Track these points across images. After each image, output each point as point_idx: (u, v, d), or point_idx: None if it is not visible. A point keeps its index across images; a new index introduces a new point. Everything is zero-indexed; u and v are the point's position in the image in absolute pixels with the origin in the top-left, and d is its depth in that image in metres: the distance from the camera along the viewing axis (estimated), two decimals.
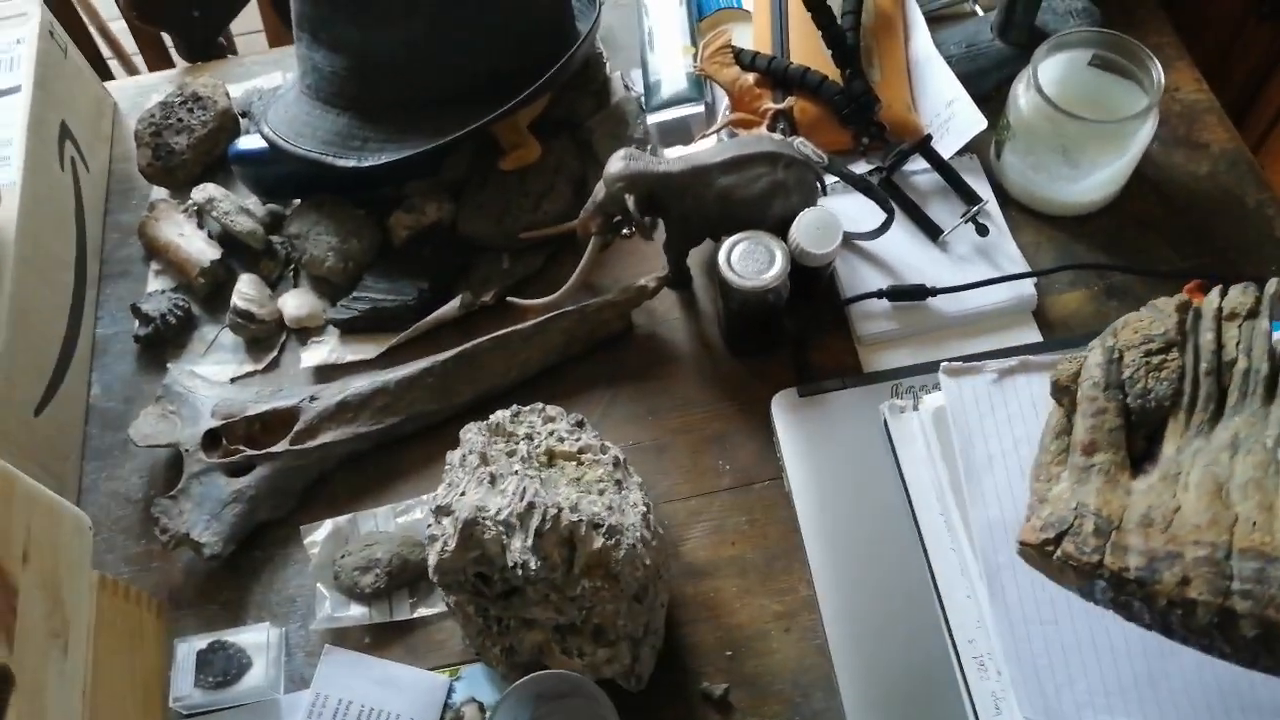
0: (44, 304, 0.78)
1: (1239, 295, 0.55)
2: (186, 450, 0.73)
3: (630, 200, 0.71)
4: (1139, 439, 0.53)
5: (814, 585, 0.66)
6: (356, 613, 0.69)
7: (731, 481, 0.73)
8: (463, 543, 0.56)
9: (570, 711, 0.60)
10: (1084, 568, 0.49)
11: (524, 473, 0.58)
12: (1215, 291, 0.56)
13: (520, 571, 0.54)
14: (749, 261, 0.70)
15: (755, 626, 0.67)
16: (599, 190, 0.74)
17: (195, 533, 0.70)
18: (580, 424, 0.68)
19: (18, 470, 0.58)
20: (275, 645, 0.68)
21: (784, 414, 0.71)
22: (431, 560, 0.57)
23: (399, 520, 0.73)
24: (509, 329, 0.77)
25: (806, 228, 0.72)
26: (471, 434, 0.65)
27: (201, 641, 0.68)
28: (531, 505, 0.55)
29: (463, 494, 0.58)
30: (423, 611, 0.69)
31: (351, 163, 0.78)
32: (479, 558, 0.56)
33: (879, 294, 0.77)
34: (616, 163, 0.73)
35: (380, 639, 0.69)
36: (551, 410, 0.68)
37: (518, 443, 0.64)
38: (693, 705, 0.65)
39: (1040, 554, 0.51)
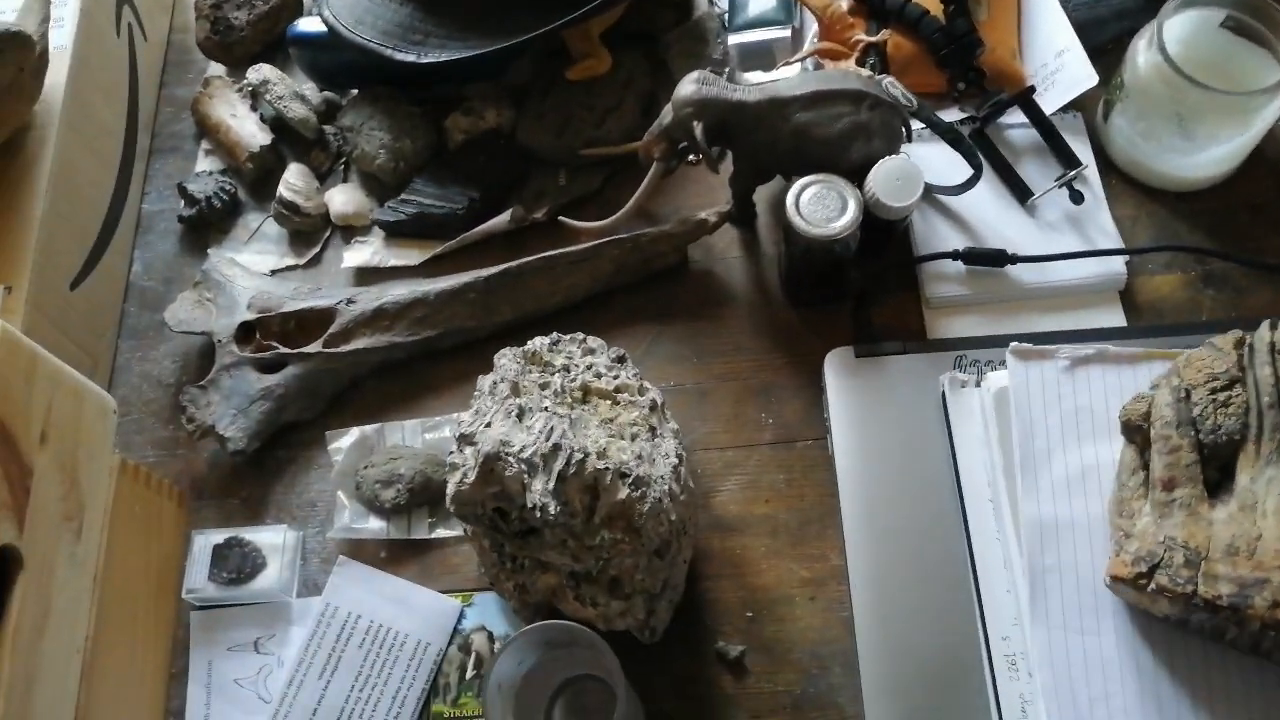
0: (90, 173, 0.76)
1: None
2: (219, 341, 0.72)
3: (698, 128, 0.67)
4: (1212, 470, 0.53)
5: (846, 555, 0.63)
6: (375, 526, 0.68)
7: (773, 437, 0.69)
8: (483, 477, 0.53)
9: (576, 659, 0.58)
10: (1179, 598, 0.50)
11: (554, 410, 0.55)
12: (1265, 325, 0.57)
13: (539, 514, 0.52)
14: (819, 207, 0.66)
15: (780, 590, 0.64)
16: (666, 114, 0.69)
17: (221, 426, 0.69)
18: (621, 359, 0.64)
19: (42, 348, 0.57)
20: (291, 548, 0.67)
21: (837, 373, 0.67)
22: (450, 489, 0.55)
23: (427, 436, 0.71)
24: (558, 250, 0.73)
25: (885, 177, 0.66)
26: (506, 360, 0.62)
27: (219, 536, 0.67)
28: (557, 447, 0.52)
29: (488, 425, 0.55)
30: (441, 533, 0.68)
31: (411, 57, 0.74)
32: (498, 494, 0.54)
33: (954, 255, 0.71)
34: (687, 86, 0.68)
35: (396, 555, 0.68)
36: (593, 342, 0.65)
37: (553, 374, 0.61)
38: (706, 663, 0.63)
39: (1134, 586, 0.51)
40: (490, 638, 0.65)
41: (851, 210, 0.65)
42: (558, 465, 0.52)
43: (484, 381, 0.60)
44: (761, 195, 0.76)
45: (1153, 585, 0.50)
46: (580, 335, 0.65)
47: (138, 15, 0.84)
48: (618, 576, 0.55)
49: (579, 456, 0.52)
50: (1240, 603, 0.48)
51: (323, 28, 0.78)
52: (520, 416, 0.56)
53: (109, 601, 0.60)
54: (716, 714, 0.61)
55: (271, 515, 0.70)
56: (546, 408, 0.56)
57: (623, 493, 0.53)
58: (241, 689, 0.65)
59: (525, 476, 0.53)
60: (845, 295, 0.73)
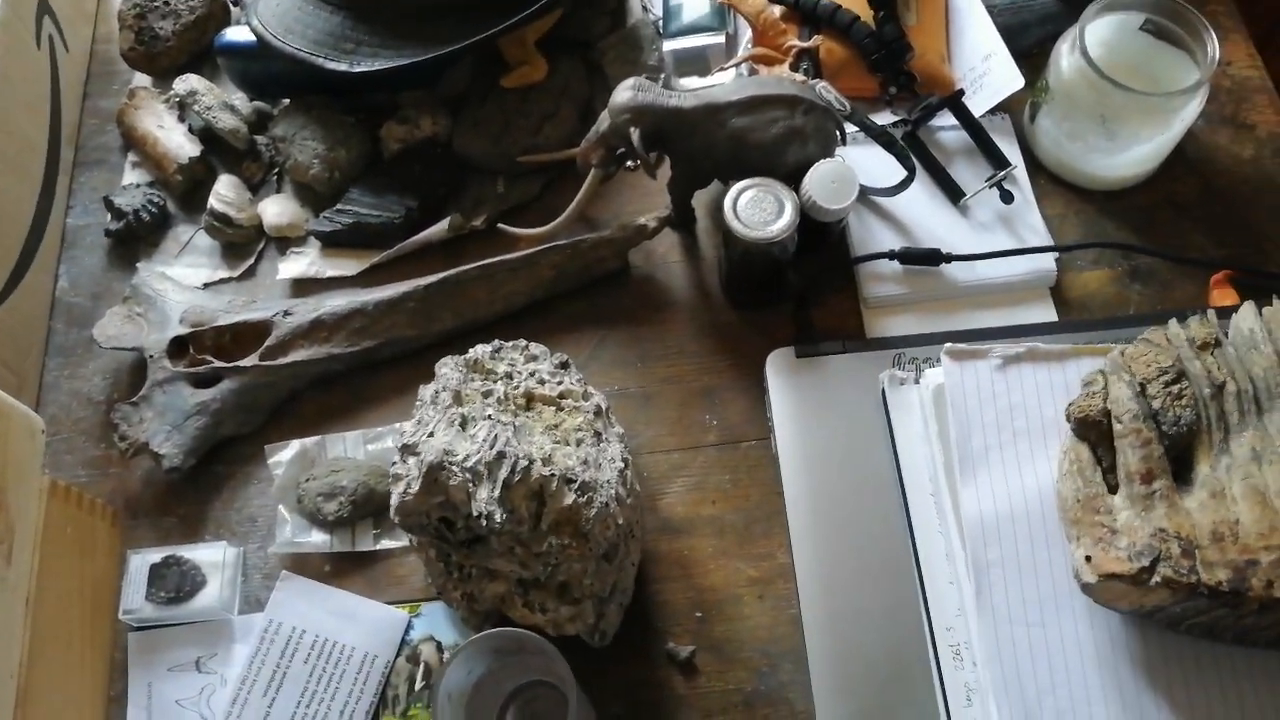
0: (11, 190, 0.74)
1: (1198, 327, 0.58)
2: (151, 356, 0.70)
3: (635, 134, 0.67)
4: (1168, 462, 0.54)
5: (793, 553, 0.64)
6: (318, 539, 0.67)
7: (718, 438, 0.70)
8: (426, 487, 0.53)
9: (527, 665, 0.58)
10: (1183, 588, 0.51)
11: (497, 418, 0.55)
12: (1173, 323, 0.59)
13: (485, 522, 0.52)
14: (756, 210, 0.66)
15: (728, 590, 0.65)
16: (603, 120, 0.69)
17: (155, 443, 0.67)
18: (564, 365, 0.64)
19: None
20: (231, 565, 0.66)
21: (778, 373, 0.68)
22: (394, 500, 0.54)
23: (369, 447, 0.70)
24: (496, 258, 0.73)
25: (821, 180, 0.67)
26: (447, 369, 0.61)
27: (156, 555, 0.66)
28: (501, 455, 0.52)
29: (431, 435, 0.55)
30: (386, 544, 0.67)
31: (343, 67, 0.73)
32: (443, 503, 0.53)
33: (890, 255, 0.73)
34: (624, 93, 0.68)
35: (340, 568, 0.67)
36: (535, 348, 0.65)
37: (495, 381, 0.61)
38: (657, 664, 0.63)
39: (1134, 582, 0.51)
40: (439, 648, 0.64)
41: (788, 213, 0.66)
42: (502, 473, 0.52)
43: (425, 391, 0.60)
44: (700, 200, 0.76)
45: (1156, 579, 0.50)
46: (523, 342, 0.65)
47: (59, 26, 0.82)
48: (566, 582, 0.55)
49: (524, 464, 0.52)
50: (1239, 585, 0.50)
51: (251, 37, 0.77)
52: (464, 425, 0.55)
53: (43, 625, 0.59)
54: (668, 715, 0.61)
55: (210, 532, 0.69)
56: (489, 416, 0.55)
57: (569, 498, 0.52)
58: (184, 710, 0.63)
59: (470, 485, 0.52)
60: (785, 296, 0.73)
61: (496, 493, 0.51)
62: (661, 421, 0.70)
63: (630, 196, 0.79)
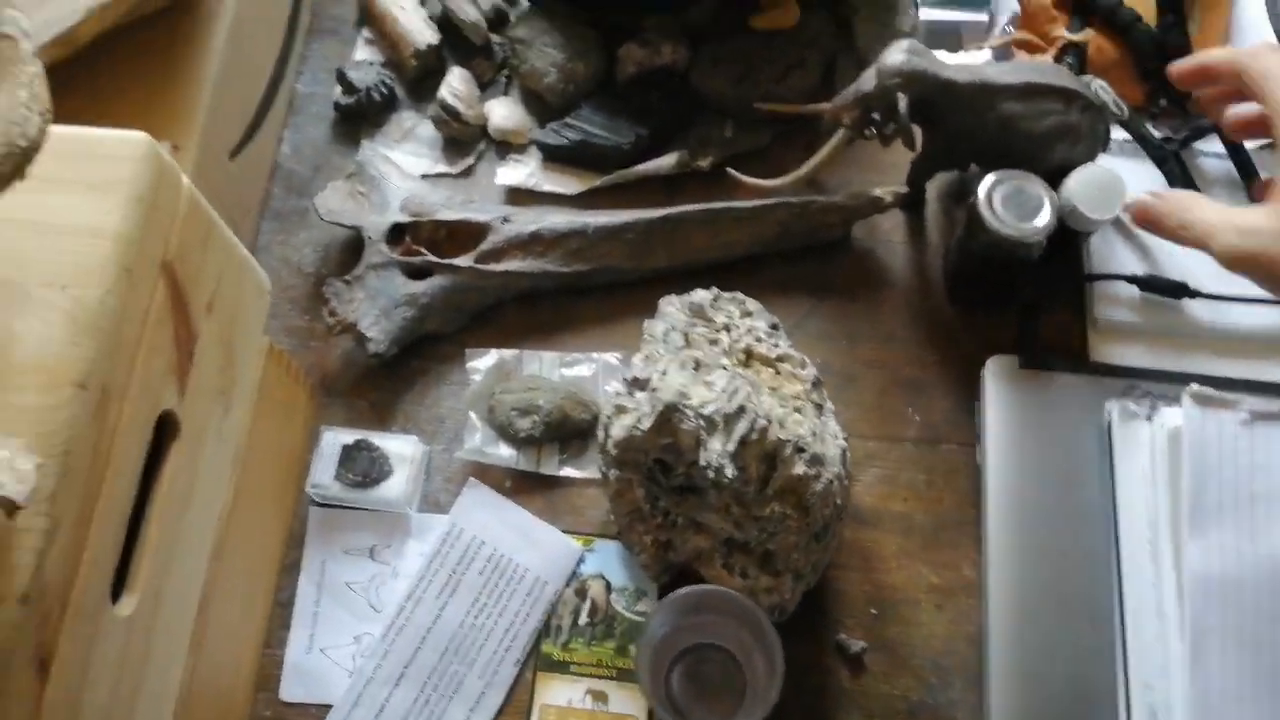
0: (259, 39, 0.74)
1: None
2: (369, 238, 0.70)
3: (903, 101, 0.64)
4: None
5: (982, 570, 0.62)
6: (505, 453, 0.67)
7: (917, 434, 0.67)
8: (658, 425, 0.52)
9: (703, 627, 0.57)
10: None
11: (735, 371, 0.53)
12: None
13: (711, 474, 0.50)
14: (1014, 205, 0.63)
15: (907, 592, 0.63)
16: (867, 79, 0.66)
17: (364, 325, 0.67)
18: (775, 327, 0.63)
19: (217, 216, 0.55)
20: (419, 461, 0.66)
21: (998, 381, 0.65)
22: (617, 433, 0.53)
23: (564, 371, 0.69)
24: (722, 204, 0.71)
25: (1084, 185, 0.64)
26: (673, 309, 0.60)
27: (348, 436, 0.66)
28: (742, 409, 0.51)
29: (664, 373, 0.53)
30: (569, 471, 0.67)
31: None
32: (669, 445, 0.52)
33: (1131, 279, 0.69)
34: (897, 54, 0.64)
35: (520, 486, 0.67)
36: (751, 304, 0.63)
37: (718, 331, 0.59)
38: (825, 652, 0.62)
39: None
40: (608, 586, 0.64)
41: (1047, 213, 0.63)
42: (740, 428, 0.50)
43: (654, 327, 0.58)
44: (935, 182, 0.73)
45: None
46: (740, 295, 0.63)
47: None
48: (773, 551, 0.54)
49: (762, 423, 0.51)
50: None
51: None
52: (697, 368, 0.54)
53: (244, 482, 0.59)
54: (830, 706, 0.60)
55: (398, 424, 0.69)
56: (725, 366, 0.54)
57: (799, 468, 0.51)
58: (353, 593, 0.64)
59: (702, 433, 0.51)
60: (1010, 301, 0.70)
61: (731, 447, 0.50)
62: (860, 406, 0.68)
63: (860, 165, 0.76)
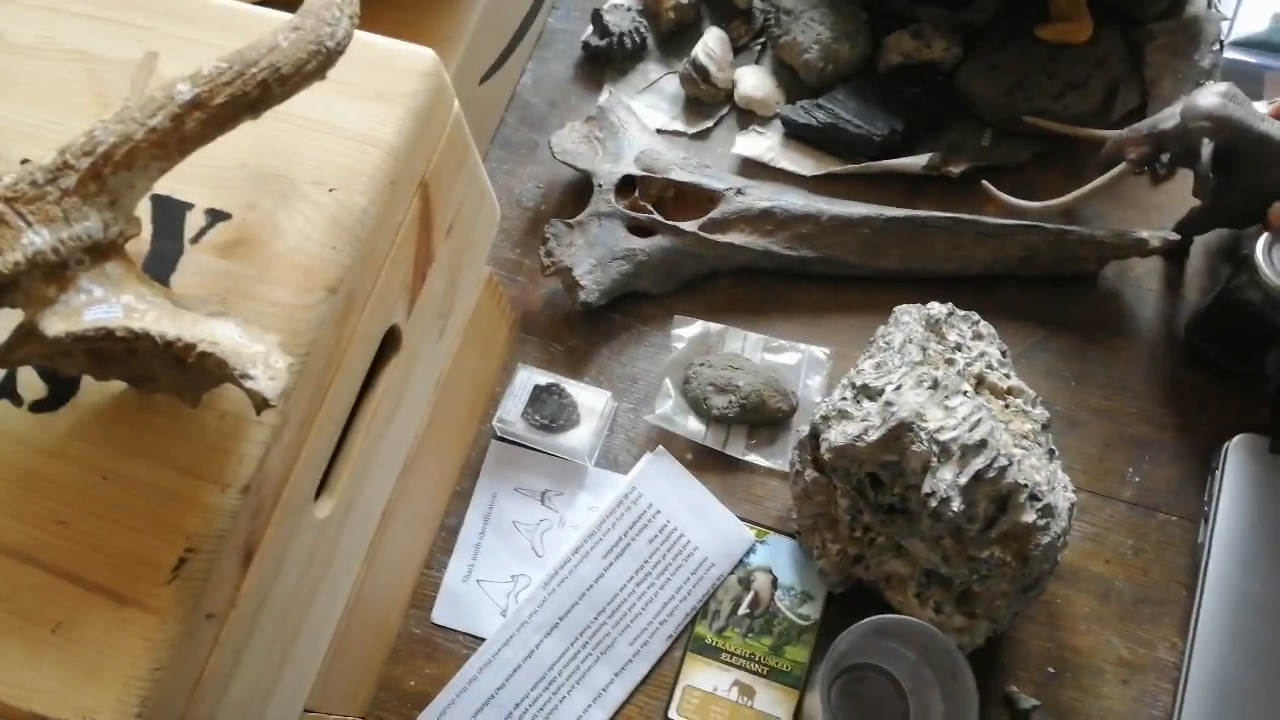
0: None
1: None
2: (599, 185, 0.69)
3: (1208, 147, 0.58)
4: None
5: (1183, 654, 0.57)
6: (694, 427, 0.65)
7: (1134, 496, 0.62)
8: (886, 441, 0.49)
9: (873, 648, 0.54)
10: None
11: (982, 401, 0.50)
12: None
13: (934, 503, 0.48)
14: None
15: (1092, 660, 0.59)
16: (1167, 117, 0.60)
17: (578, 271, 0.67)
18: (1004, 354, 0.59)
19: (472, 142, 0.55)
20: (607, 416, 0.65)
21: (1242, 461, 0.60)
22: (836, 438, 0.51)
23: (766, 356, 0.67)
24: (970, 216, 0.67)
25: None
26: (910, 319, 0.57)
27: (542, 378, 0.66)
28: (983, 443, 0.47)
29: (899, 387, 0.50)
30: (754, 458, 0.65)
31: None
32: (891, 463, 0.50)
33: None
34: (1211, 98, 0.59)
35: (701, 462, 0.65)
36: (984, 327, 0.59)
37: (952, 350, 0.56)
38: (992, 701, 0.58)
39: None
40: (774, 582, 0.62)
41: None
42: (978, 463, 0.47)
43: (891, 335, 0.55)
44: (1202, 235, 0.67)
45: None
46: (974, 315, 0.59)
47: None
48: (976, 593, 0.51)
49: (1003, 462, 0.47)
50: None
51: None
52: (934, 388, 0.51)
53: (439, 405, 0.60)
54: None
55: (591, 375, 0.68)
56: (966, 392, 0.50)
57: (1030, 516, 0.48)
58: (518, 533, 0.64)
59: (934, 459, 0.48)
60: (1258, 374, 0.64)
61: (964, 480, 0.47)
62: (1078, 454, 0.64)
63: (1117, 201, 0.70)
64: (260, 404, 0.37)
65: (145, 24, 0.49)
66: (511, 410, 0.65)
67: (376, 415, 0.51)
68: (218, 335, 0.38)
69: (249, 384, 0.37)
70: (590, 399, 0.65)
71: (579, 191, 0.72)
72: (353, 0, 0.43)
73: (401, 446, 0.57)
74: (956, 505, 0.47)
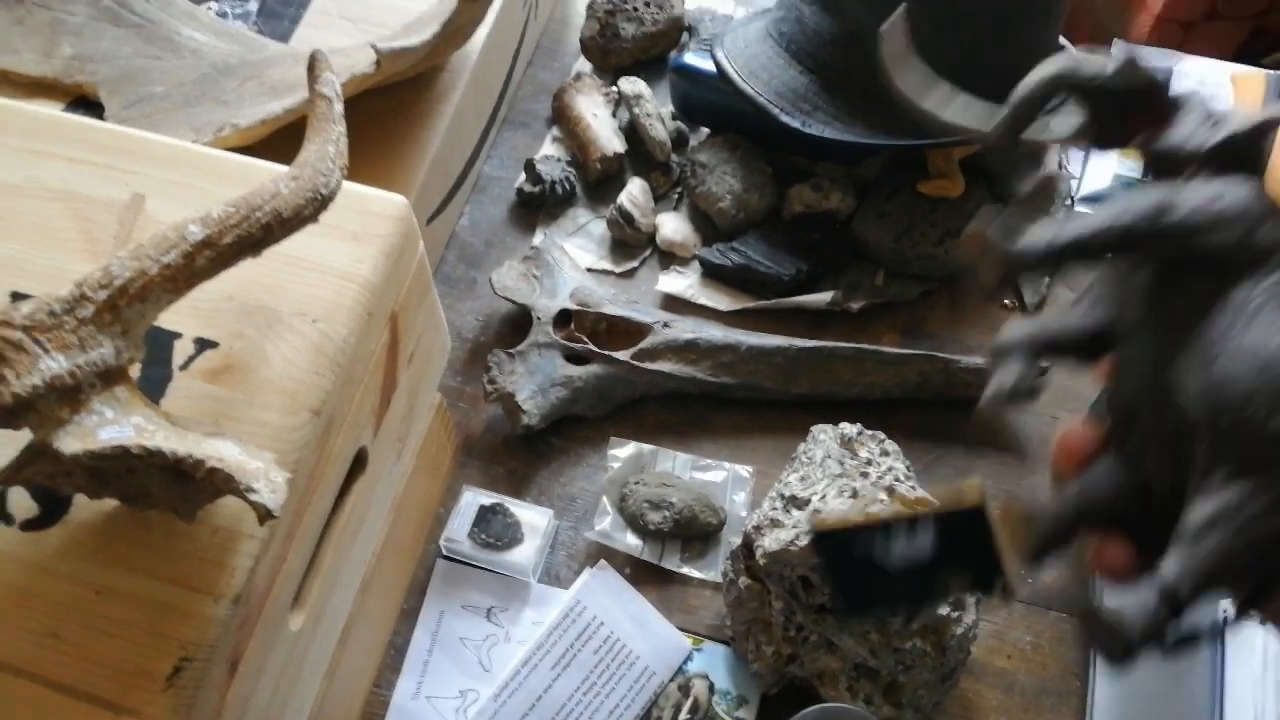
0: (470, 124, 0.80)
1: None
2: (538, 318, 0.75)
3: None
4: None
5: None
6: (631, 542, 0.69)
7: (1029, 595, 0.69)
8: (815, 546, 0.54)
9: None
10: None
11: (895, 505, 0.56)
12: None
13: None
14: None
15: None
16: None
17: (520, 397, 0.71)
18: (908, 468, 0.65)
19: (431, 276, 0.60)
20: (548, 534, 0.69)
21: None
22: (770, 545, 0.56)
23: (695, 474, 0.72)
24: (871, 346, 0.75)
25: None
26: (826, 437, 0.63)
27: (486, 498, 0.69)
28: None
29: (823, 497, 0.56)
30: (688, 570, 0.69)
31: (795, 124, 0.77)
32: (820, 565, 0.55)
33: None
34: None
35: (638, 576, 0.69)
36: (889, 444, 0.66)
37: (865, 465, 0.62)
38: None
39: None
40: (711, 688, 0.65)
41: None
42: None
43: (812, 452, 0.62)
44: None
45: None
46: (880, 434, 0.66)
47: None
48: (902, 683, 0.56)
49: None
50: None
51: (710, 67, 0.82)
52: (854, 497, 0.57)
53: (394, 525, 0.63)
54: None
55: (531, 495, 0.72)
56: (883, 500, 0.57)
57: (944, 609, 0.53)
58: (464, 649, 0.66)
59: None
60: None
61: None
62: None
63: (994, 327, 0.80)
64: (264, 515, 0.40)
65: (129, 167, 0.54)
66: (459, 529, 0.68)
67: (344, 532, 0.54)
68: (222, 452, 0.41)
69: (253, 497, 0.40)
70: (532, 518, 0.69)
71: (515, 324, 0.78)
72: (343, 154, 0.48)
73: (361, 564, 0.59)
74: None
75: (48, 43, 0.72)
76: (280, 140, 0.66)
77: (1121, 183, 0.85)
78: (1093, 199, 0.85)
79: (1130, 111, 0.37)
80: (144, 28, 0.72)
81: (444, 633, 0.67)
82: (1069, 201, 0.84)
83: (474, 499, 0.69)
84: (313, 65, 0.48)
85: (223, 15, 0.76)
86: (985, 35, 0.75)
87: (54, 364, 0.40)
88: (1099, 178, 0.86)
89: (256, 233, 0.44)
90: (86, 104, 0.71)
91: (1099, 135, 0.38)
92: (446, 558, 0.69)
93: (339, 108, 0.48)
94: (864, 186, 0.83)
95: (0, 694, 0.41)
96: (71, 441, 0.39)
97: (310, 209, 0.46)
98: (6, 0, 0.74)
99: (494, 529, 0.68)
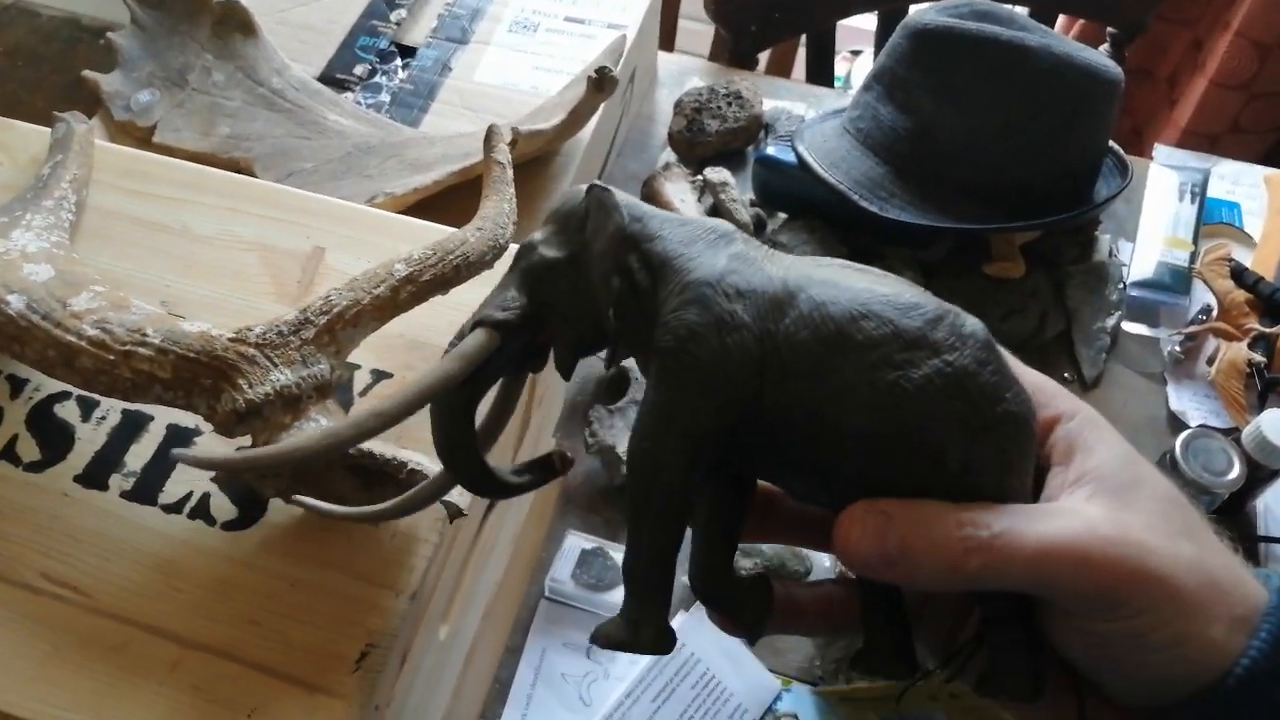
0: None
1: None
2: (635, 379, 0.81)
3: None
4: None
5: None
6: None
7: None
8: None
9: None
10: None
11: None
12: None
13: None
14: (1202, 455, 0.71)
15: None
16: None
17: (621, 449, 0.77)
18: None
19: None
20: None
21: None
22: None
23: None
24: None
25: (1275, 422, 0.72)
26: None
27: (588, 543, 0.74)
28: None
29: None
30: None
31: (874, 209, 0.84)
32: None
33: None
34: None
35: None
36: None
37: None
38: None
39: None
40: None
41: (1236, 468, 0.70)
42: None
43: None
44: None
45: None
46: None
47: (632, 92, 0.99)
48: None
49: None
50: None
51: (791, 158, 0.90)
52: None
53: (512, 560, 0.68)
54: None
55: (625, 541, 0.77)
56: None
57: None
58: (566, 684, 0.70)
59: None
60: None
61: None
62: None
63: None
64: (455, 514, 0.46)
65: (310, 223, 0.61)
66: (562, 570, 0.73)
67: (479, 555, 0.59)
68: (418, 458, 0.47)
69: (445, 497, 0.46)
70: None
71: (611, 384, 0.84)
72: (515, 210, 0.55)
73: (487, 592, 0.64)
74: None
75: (206, 123, 0.81)
76: (412, 209, 0.74)
77: (1168, 270, 0.92)
78: (1143, 284, 0.92)
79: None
80: (294, 112, 0.80)
81: (546, 668, 0.71)
82: (1121, 285, 0.90)
83: (577, 543, 0.74)
84: (489, 137, 0.56)
85: (359, 104, 0.85)
86: (1054, 135, 0.82)
87: (282, 376, 0.46)
88: (1146, 264, 0.93)
89: (449, 273, 0.50)
90: None
91: None
92: (549, 598, 0.74)
93: (510, 173, 0.56)
94: (931, 269, 0.90)
95: (208, 673, 0.46)
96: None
97: (490, 255, 0.53)
98: (169, 87, 0.83)
99: (595, 571, 0.73)
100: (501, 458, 0.58)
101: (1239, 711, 0.31)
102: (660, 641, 0.36)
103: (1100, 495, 0.33)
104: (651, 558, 0.36)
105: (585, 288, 0.38)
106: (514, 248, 0.59)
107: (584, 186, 0.38)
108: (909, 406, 0.33)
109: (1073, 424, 0.36)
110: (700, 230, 0.37)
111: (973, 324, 0.35)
